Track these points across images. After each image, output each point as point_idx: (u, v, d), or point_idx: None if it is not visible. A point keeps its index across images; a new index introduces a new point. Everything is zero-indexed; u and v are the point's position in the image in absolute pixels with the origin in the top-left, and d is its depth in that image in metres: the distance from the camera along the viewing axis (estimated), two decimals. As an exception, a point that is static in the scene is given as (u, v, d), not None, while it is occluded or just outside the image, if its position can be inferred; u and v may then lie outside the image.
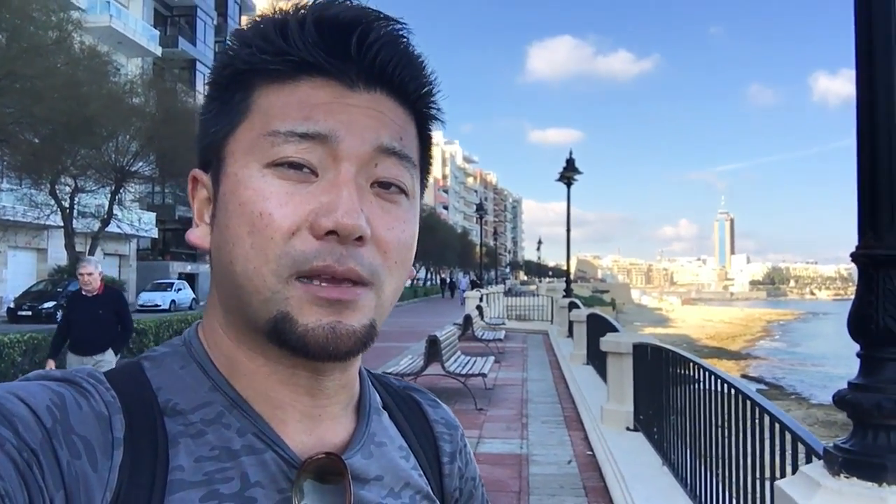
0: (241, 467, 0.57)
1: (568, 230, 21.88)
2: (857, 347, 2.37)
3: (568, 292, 20.82)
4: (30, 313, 22.87)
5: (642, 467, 5.81)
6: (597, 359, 10.39)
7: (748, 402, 3.57)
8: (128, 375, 0.60)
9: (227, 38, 0.62)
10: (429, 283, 70.58)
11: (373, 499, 0.63)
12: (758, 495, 3.32)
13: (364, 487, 0.62)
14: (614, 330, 9.16)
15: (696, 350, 35.21)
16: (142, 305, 30.08)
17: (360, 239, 0.56)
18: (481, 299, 23.09)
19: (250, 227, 0.56)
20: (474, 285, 38.44)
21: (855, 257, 2.39)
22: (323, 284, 0.56)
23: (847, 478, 2.22)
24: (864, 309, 2.32)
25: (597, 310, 14.98)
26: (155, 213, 35.34)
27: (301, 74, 0.58)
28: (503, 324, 20.76)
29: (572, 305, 16.62)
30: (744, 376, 27.98)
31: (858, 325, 2.34)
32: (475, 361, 10.45)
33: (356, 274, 0.56)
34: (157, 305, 29.99)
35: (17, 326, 16.49)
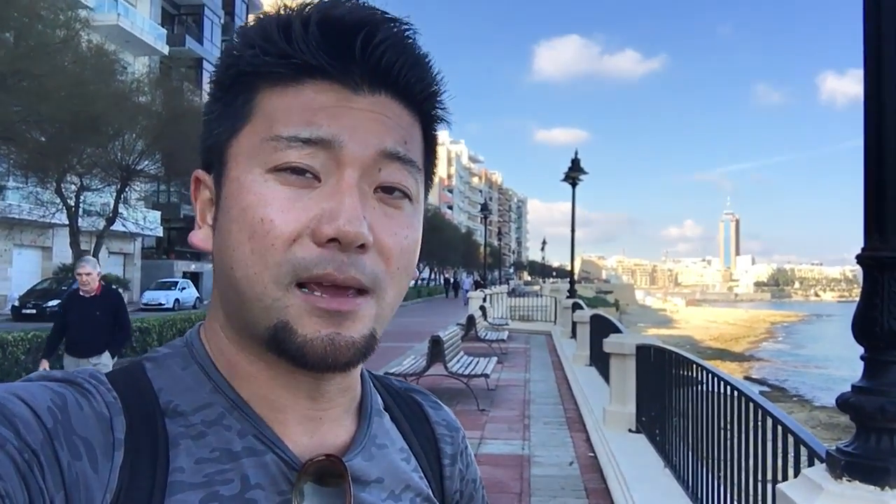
0: (242, 469, 0.57)
1: (573, 230, 21.85)
2: (861, 350, 2.37)
3: (572, 293, 20.79)
4: (34, 311, 22.93)
5: (644, 469, 5.80)
6: (600, 360, 10.37)
7: (751, 405, 3.56)
8: (129, 376, 0.60)
9: (233, 35, 0.62)
10: (432, 283, 70.56)
11: (373, 501, 0.62)
12: (760, 498, 3.32)
13: (364, 490, 0.62)
14: (618, 331, 9.15)
15: (699, 351, 35.17)
16: (146, 304, 30.17)
17: (362, 246, 0.55)
18: (485, 299, 23.06)
19: (251, 233, 0.56)
20: (478, 285, 38.40)
21: (860, 259, 2.39)
22: (323, 295, 0.55)
23: (849, 481, 2.21)
24: (868, 311, 2.31)
25: (600, 311, 14.97)
26: (160, 212, 35.43)
27: (304, 77, 0.57)
28: (506, 324, 20.78)
29: (576, 306, 16.60)
30: (747, 378, 27.92)
31: (863, 327, 2.33)
32: (478, 362, 10.45)
33: (357, 282, 0.56)
34: (161, 304, 30.06)
35: (22, 325, 16.53)
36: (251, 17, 0.61)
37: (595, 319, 12.18)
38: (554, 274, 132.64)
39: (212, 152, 0.62)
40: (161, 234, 37.53)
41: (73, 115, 15.42)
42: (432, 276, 74.33)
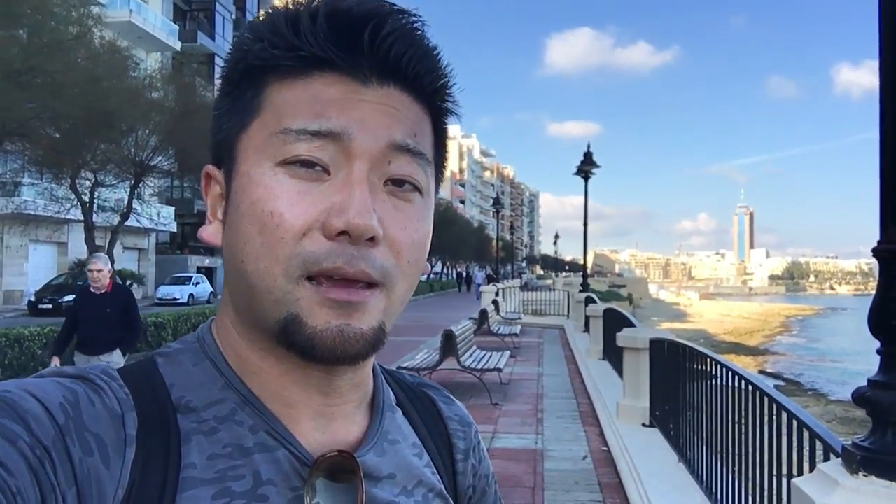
0: (254, 465, 0.57)
1: (585, 224, 21.78)
2: (877, 344, 2.35)
3: (584, 287, 20.75)
4: (50, 306, 23.15)
5: (658, 464, 5.79)
6: (613, 354, 10.36)
7: (766, 399, 3.54)
8: (141, 372, 0.60)
9: (242, 30, 0.62)
10: (445, 277, 70.66)
11: (385, 497, 0.62)
12: (774, 493, 3.30)
13: (377, 485, 0.62)
14: (631, 325, 9.13)
15: (713, 345, 35.00)
16: (160, 299, 30.40)
17: (372, 239, 0.55)
18: (497, 294, 23.07)
19: (261, 227, 0.56)
20: (490, 280, 38.40)
21: (876, 252, 2.36)
22: (333, 287, 0.55)
23: (866, 476, 2.20)
24: (885, 305, 2.29)
25: (613, 304, 14.94)
26: (174, 208, 35.62)
27: (313, 70, 0.57)
28: (519, 318, 20.79)
29: (589, 300, 16.58)
30: (761, 372, 27.81)
31: (879, 321, 2.31)
32: (491, 356, 10.46)
33: (367, 276, 0.56)
34: (175, 299, 30.29)
35: (38, 319, 16.71)
36: (261, 13, 0.60)
37: (608, 313, 12.16)
38: (567, 268, 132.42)
39: (221, 147, 0.62)
40: (175, 230, 37.75)
41: (87, 111, 15.52)
42: (444, 270, 74.41)
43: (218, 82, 0.66)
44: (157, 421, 0.56)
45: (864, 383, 2.33)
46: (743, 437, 3.98)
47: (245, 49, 0.59)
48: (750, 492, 3.85)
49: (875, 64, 2.38)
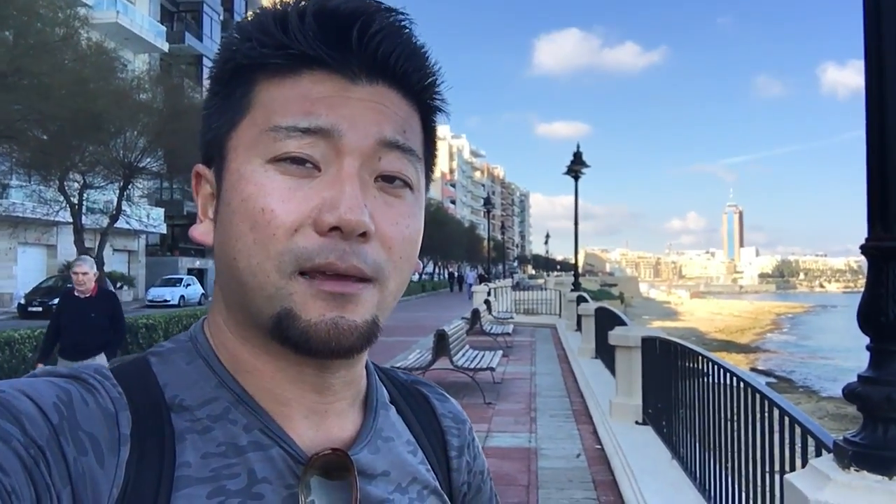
0: (248, 463, 0.57)
1: (576, 224, 21.85)
2: (866, 340, 2.36)
3: (576, 286, 20.84)
4: (40, 309, 23.02)
5: (651, 461, 5.81)
6: (605, 352, 10.38)
7: (757, 396, 3.56)
8: (134, 371, 0.60)
9: (230, 30, 0.62)
10: (436, 277, 70.63)
11: (380, 494, 0.62)
12: (767, 489, 3.31)
13: (371, 483, 0.62)
14: (623, 323, 9.15)
15: (704, 343, 35.11)
16: (151, 301, 30.28)
17: (363, 235, 0.55)
18: (489, 293, 23.10)
19: (252, 223, 0.56)
20: (482, 279, 38.43)
21: (864, 249, 2.38)
22: (326, 280, 0.55)
23: (857, 471, 2.21)
24: (873, 301, 2.30)
25: (605, 303, 14.96)
26: (163, 209, 35.48)
27: (302, 68, 0.57)
28: (511, 318, 20.79)
29: (580, 299, 16.61)
30: (753, 369, 27.92)
31: (868, 317, 2.32)
32: (483, 355, 10.46)
33: (359, 271, 0.56)
34: (166, 301, 30.18)
35: (28, 322, 16.59)
36: (250, 13, 0.60)
37: (600, 312, 12.19)
38: (558, 267, 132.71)
39: (212, 146, 0.62)
40: (165, 231, 37.59)
41: (74, 112, 15.44)
42: (436, 270, 74.38)
43: (206, 83, 0.66)
44: (151, 420, 0.56)
45: (855, 379, 2.35)
46: (735, 433, 4.00)
47: (234, 48, 0.59)
48: (743, 488, 3.86)
49: (860, 63, 2.40)
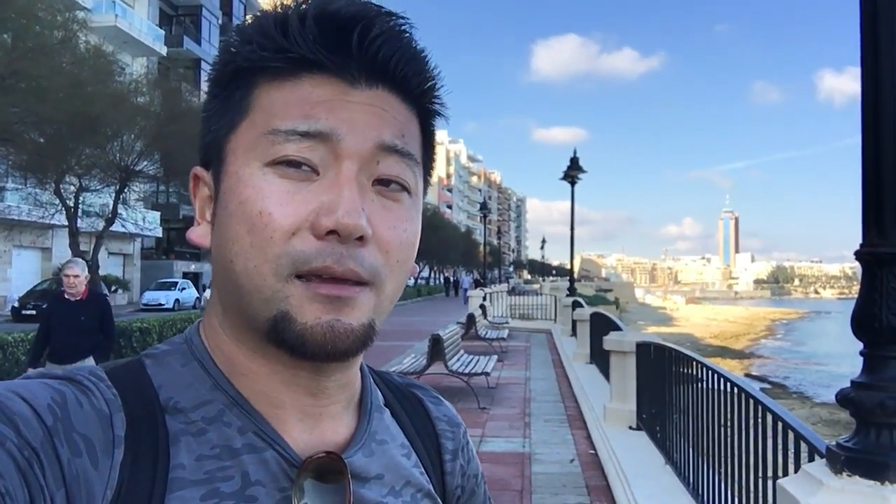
0: (242, 466, 0.57)
1: (572, 229, 21.86)
2: (860, 346, 2.37)
3: (572, 291, 20.80)
4: (34, 312, 22.80)
5: (645, 466, 5.80)
6: (600, 358, 10.38)
7: (751, 401, 3.56)
8: (129, 373, 0.60)
9: (230, 33, 0.62)
10: (432, 282, 70.55)
11: (373, 497, 0.62)
12: (760, 494, 3.32)
13: (364, 486, 0.62)
14: (618, 329, 9.15)
15: (699, 349, 35.14)
16: (146, 304, 30.16)
17: (361, 238, 0.55)
18: (485, 298, 23.07)
19: (250, 226, 0.56)
20: (478, 284, 38.39)
21: (859, 255, 2.39)
22: (322, 283, 0.55)
23: (850, 476, 2.21)
24: (867, 307, 2.31)
25: (600, 309, 14.97)
26: (159, 213, 35.41)
27: (302, 71, 0.57)
28: (506, 323, 20.78)
29: (576, 304, 16.60)
30: (747, 375, 27.91)
31: (862, 323, 2.33)
32: (478, 360, 10.45)
33: (356, 275, 0.56)
34: (161, 304, 30.05)
35: (22, 325, 16.53)
36: (249, 17, 0.61)
37: (595, 317, 12.19)
38: (554, 272, 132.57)
39: (210, 149, 0.62)
40: (160, 235, 37.50)
41: (72, 115, 15.42)
42: (432, 275, 74.31)
43: (204, 87, 0.66)
44: (146, 422, 0.56)
45: (848, 385, 2.35)
46: (729, 439, 4.00)
47: (233, 51, 0.60)
48: (736, 493, 3.87)
49: (857, 70, 2.41)
